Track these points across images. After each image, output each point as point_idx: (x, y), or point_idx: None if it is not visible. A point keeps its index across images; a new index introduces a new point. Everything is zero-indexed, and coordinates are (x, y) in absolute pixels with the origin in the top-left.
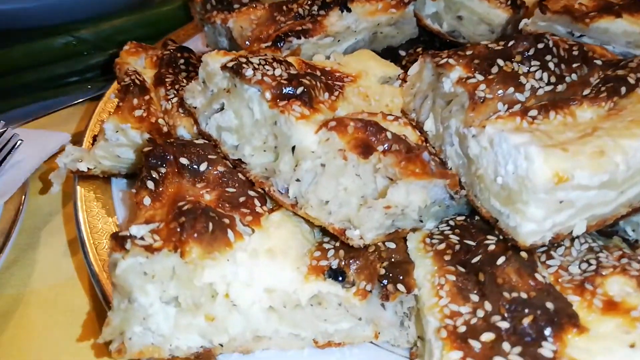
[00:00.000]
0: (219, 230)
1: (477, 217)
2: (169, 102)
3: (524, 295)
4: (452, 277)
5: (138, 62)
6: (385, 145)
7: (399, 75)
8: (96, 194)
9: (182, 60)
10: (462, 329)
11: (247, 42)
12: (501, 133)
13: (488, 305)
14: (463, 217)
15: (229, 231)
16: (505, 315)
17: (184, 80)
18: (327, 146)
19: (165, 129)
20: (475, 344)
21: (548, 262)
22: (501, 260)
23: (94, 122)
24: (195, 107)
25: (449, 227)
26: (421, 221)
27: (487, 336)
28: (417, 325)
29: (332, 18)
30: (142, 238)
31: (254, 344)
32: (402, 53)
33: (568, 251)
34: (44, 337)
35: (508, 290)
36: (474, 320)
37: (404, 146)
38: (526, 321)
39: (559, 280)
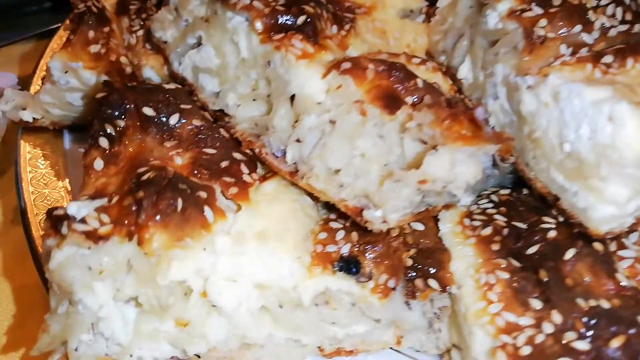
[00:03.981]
0: (192, 208)
1: (525, 191)
2: (133, 35)
3: (605, 304)
4: (505, 275)
5: None
6: (415, 97)
7: (422, 8)
8: (44, 150)
9: None
10: (526, 350)
11: None
12: (573, 85)
13: (557, 317)
14: (507, 191)
15: (206, 208)
16: (582, 332)
17: (154, 8)
18: (338, 96)
19: (128, 69)
20: None
21: (620, 253)
22: (570, 253)
23: (45, 62)
24: (165, 42)
25: (492, 204)
26: (455, 195)
27: None
28: (451, 329)
29: None
30: (83, 220)
31: (241, 354)
32: None
33: None
34: None
35: (582, 295)
36: (539, 338)
37: (443, 99)
38: (615, 343)
39: (637, 278)
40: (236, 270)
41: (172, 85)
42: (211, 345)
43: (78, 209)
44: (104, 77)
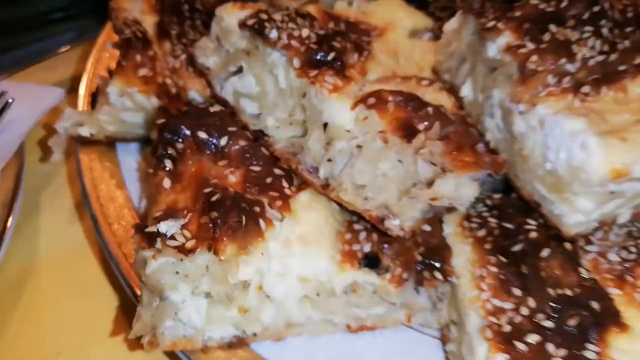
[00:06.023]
0: (252, 221)
1: (514, 194)
2: (177, 59)
3: (568, 292)
4: (494, 269)
5: (135, 6)
6: (427, 123)
7: (429, 26)
8: (102, 162)
9: (186, 6)
10: (507, 328)
11: None
12: (555, 116)
13: (532, 302)
14: (499, 196)
15: (260, 221)
16: (550, 313)
17: (191, 31)
18: (365, 126)
19: (173, 90)
20: (521, 346)
21: (587, 248)
22: (545, 252)
23: (90, 76)
24: (207, 68)
25: (486, 208)
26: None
27: (533, 337)
28: (449, 309)
29: None
30: (172, 237)
31: (286, 331)
32: None
33: (606, 235)
34: (60, 311)
35: (552, 285)
36: (517, 319)
37: (454, 131)
38: (572, 322)
39: (599, 267)
40: (285, 268)
41: (217, 108)
42: (264, 326)
43: (167, 228)
44: (155, 99)
